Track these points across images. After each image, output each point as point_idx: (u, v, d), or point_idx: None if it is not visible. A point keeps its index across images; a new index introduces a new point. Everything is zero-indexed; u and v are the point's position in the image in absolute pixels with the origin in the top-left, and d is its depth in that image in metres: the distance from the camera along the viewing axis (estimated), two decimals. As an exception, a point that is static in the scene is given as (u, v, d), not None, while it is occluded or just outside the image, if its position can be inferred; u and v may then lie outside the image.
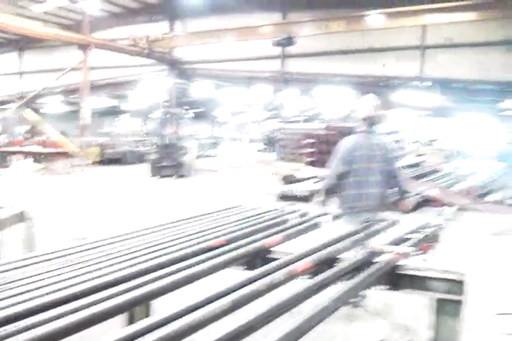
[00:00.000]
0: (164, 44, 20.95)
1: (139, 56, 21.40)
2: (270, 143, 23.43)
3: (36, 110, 23.34)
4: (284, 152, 16.36)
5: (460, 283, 2.03)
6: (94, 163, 17.78)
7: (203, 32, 19.11)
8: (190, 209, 7.06)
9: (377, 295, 3.31)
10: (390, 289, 2.18)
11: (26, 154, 15.82)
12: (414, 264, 2.26)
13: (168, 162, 13.88)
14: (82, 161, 17.04)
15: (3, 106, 23.19)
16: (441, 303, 2.09)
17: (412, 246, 2.36)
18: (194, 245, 2.35)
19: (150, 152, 15.13)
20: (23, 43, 27.18)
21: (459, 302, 2.06)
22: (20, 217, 3.65)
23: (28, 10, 20.94)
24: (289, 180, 11.29)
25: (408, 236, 2.58)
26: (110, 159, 18.47)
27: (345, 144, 3.74)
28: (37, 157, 15.83)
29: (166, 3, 21.54)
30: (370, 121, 3.68)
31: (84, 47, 18.93)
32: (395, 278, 2.14)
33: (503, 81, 15.38)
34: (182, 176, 13.81)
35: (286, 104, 23.27)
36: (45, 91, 22.43)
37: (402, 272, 2.13)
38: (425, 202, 9.35)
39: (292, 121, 22.96)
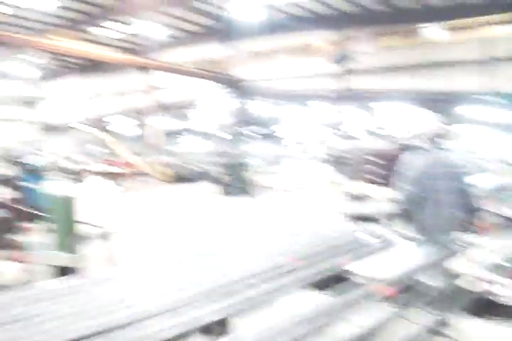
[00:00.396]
0: (224, 65, 21.59)
1: (200, 77, 22.15)
2: (335, 161, 23.12)
3: (109, 131, 24.63)
4: (351, 171, 16.11)
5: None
6: (163, 181, 18.40)
7: (261, 52, 19.49)
8: (260, 228, 7.11)
9: (468, 324, 3.15)
10: (479, 317, 2.07)
11: (101, 173, 16.65)
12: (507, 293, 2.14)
13: (234, 181, 14.07)
14: (152, 180, 17.69)
15: (79, 129, 24.61)
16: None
17: (503, 272, 2.24)
18: (264, 266, 2.35)
19: (216, 171, 15.45)
20: (95, 67, 28.91)
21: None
22: (103, 234, 3.86)
23: (95, 36, 22.31)
24: (358, 199, 11.03)
25: (497, 262, 2.44)
26: (179, 177, 19.00)
27: (412, 164, 3.56)
28: (111, 176, 16.62)
29: (226, 25, 22.19)
30: (436, 138, 3.53)
31: (148, 70, 19.88)
32: (487, 307, 2.03)
33: None
34: (247, 195, 13.93)
35: (349, 122, 23.06)
36: (117, 113, 23.63)
37: (495, 301, 2.02)
38: (506, 223, 8.79)
39: (357, 139, 22.68)
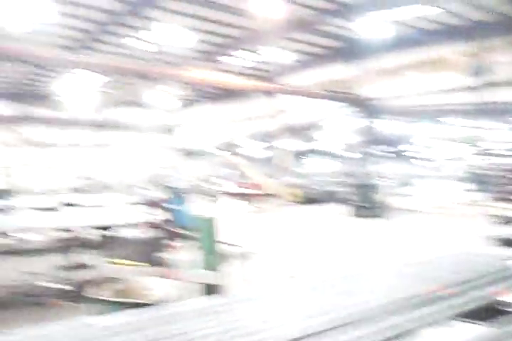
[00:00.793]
0: (350, 84, 21.46)
1: (326, 99, 22.29)
2: (476, 180, 21.44)
3: (240, 154, 25.86)
4: (495, 190, 14.79)
5: None
6: (293, 202, 18.70)
7: (388, 69, 18.99)
8: (397, 253, 6.84)
9: None
10: None
11: (235, 195, 17.47)
12: None
13: (364, 202, 13.74)
14: (282, 201, 18.07)
15: (214, 153, 26.22)
16: None
17: None
18: (406, 293, 2.26)
19: (345, 192, 15.27)
20: (227, 95, 30.73)
21: None
22: (242, 254, 4.04)
23: (227, 65, 23.73)
24: (505, 221, 10.04)
25: None
26: (307, 199, 19.16)
27: None
28: (243, 197, 17.34)
29: (350, 45, 22.10)
30: None
31: (275, 94, 20.58)
32: None
33: None
34: (379, 217, 13.50)
35: (488, 137, 21.25)
36: (247, 137, 24.73)
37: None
38: None
39: (498, 156, 20.78)
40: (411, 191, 23.08)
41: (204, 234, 3.67)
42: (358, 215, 13.55)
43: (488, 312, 2.10)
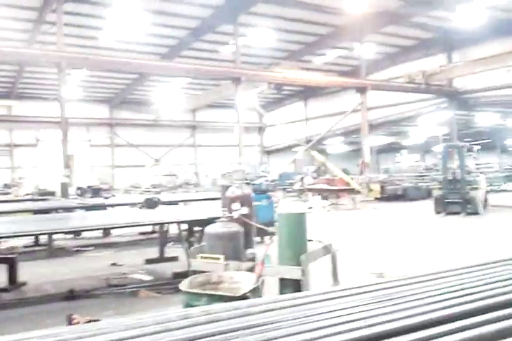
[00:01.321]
0: (442, 76, 20.38)
1: (415, 92, 21.35)
2: None
3: (321, 151, 25.64)
4: None
5: None
6: (375, 199, 18.21)
7: (485, 58, 17.80)
8: (484, 254, 6.42)
9: None
10: None
11: (319, 191, 17.34)
12: None
13: (455, 198, 13.00)
14: (364, 198, 17.67)
15: (294, 149, 26.23)
16: None
17: None
18: (500, 296, 2.09)
19: (433, 188, 14.55)
20: (307, 93, 30.60)
21: None
22: (327, 250, 3.99)
23: (310, 63, 23.54)
24: None
25: None
26: (391, 195, 18.57)
27: None
28: (324, 194, 17.16)
29: (441, 35, 20.98)
30: None
31: (361, 90, 20.10)
32: None
33: None
34: (471, 213, 12.71)
35: None
36: (329, 134, 24.46)
37: None
38: None
39: None
40: (508, 186, 21.52)
41: (289, 230, 3.67)
42: (446, 212, 12.87)
43: None
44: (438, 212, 13.18)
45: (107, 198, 11.80)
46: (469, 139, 27.10)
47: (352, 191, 17.14)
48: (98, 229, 8.21)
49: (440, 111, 22.78)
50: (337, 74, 24.04)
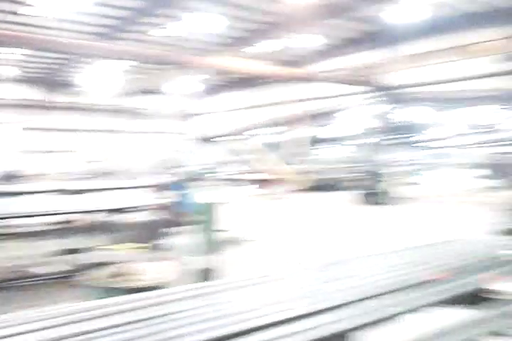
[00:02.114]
0: (375, 71, 21.07)
1: (347, 84, 21.95)
2: (492, 169, 21.15)
3: (256, 141, 25.83)
4: (508, 179, 14.59)
5: None
6: (303, 189, 18.66)
7: (417, 55, 18.58)
8: (396, 239, 6.83)
9: None
10: None
11: (247, 181, 17.48)
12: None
13: (373, 189, 13.68)
14: (293, 187, 18.05)
15: (230, 139, 26.22)
16: None
17: None
18: (399, 277, 2.27)
19: (356, 179, 15.18)
20: (249, 81, 30.51)
21: None
22: (241, 240, 4.07)
23: (255, 51, 23.47)
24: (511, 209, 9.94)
25: None
26: (318, 186, 19.10)
27: None
28: (254, 183, 17.35)
29: (378, 30, 21.57)
30: None
31: (304, 80, 20.31)
32: None
33: None
34: (386, 204, 13.46)
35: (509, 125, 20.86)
36: (267, 123, 24.62)
37: None
38: None
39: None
40: (422, 179, 22.88)
41: (204, 220, 3.70)
42: (366, 202, 13.52)
43: (474, 298, 2.10)
44: (359, 203, 13.83)
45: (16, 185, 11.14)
46: (395, 133, 28.36)
47: (280, 181, 17.46)
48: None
49: (370, 104, 23.59)
50: (281, 63, 24.16)
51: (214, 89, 32.02)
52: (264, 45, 23.35)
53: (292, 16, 18.71)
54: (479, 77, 18.09)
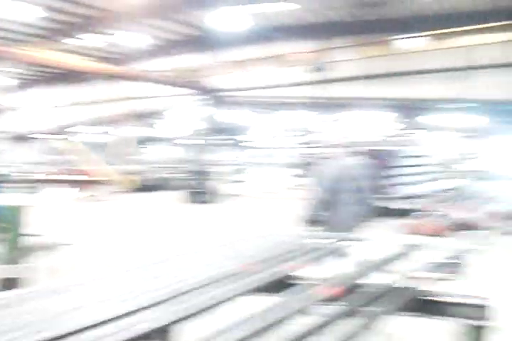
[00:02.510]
0: (200, 74, 21.56)
1: (173, 86, 22.03)
2: (304, 168, 23.45)
3: (74, 140, 24.22)
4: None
5: (486, 308, 1.97)
6: (129, 190, 18.16)
7: (239, 61, 19.54)
8: (216, 235, 7.11)
9: (403, 322, 3.22)
10: (415, 315, 2.12)
11: (62, 182, 16.32)
12: (439, 290, 2.20)
13: (199, 188, 14.03)
14: (117, 189, 17.42)
15: (46, 138, 24.13)
16: (466, 329, 2.02)
17: (439, 271, 2.29)
18: (215, 271, 2.35)
19: (183, 179, 15.36)
20: (65, 77, 28.40)
21: (484, 328, 1.99)
22: (52, 245, 3.76)
23: (73, 45, 21.94)
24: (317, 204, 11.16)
25: (435, 261, 2.51)
26: (145, 186, 18.80)
27: (321, 170, 3.84)
28: (72, 185, 16.30)
29: (202, 35, 22.15)
30: (342, 146, 3.73)
31: (124, 78, 19.66)
32: (420, 304, 2.08)
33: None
34: (212, 202, 13.93)
35: (322, 129, 23.34)
36: (82, 122, 23.26)
37: (427, 298, 2.08)
38: (459, 226, 9.11)
39: (328, 146, 22.72)
40: (245, 177, 24.31)
41: (7, 225, 3.33)
42: (192, 201, 13.83)
43: (281, 285, 2.27)
44: (185, 202, 14.04)
45: None
46: (219, 134, 29.48)
47: (104, 182, 16.71)
48: None
49: (195, 106, 24.03)
50: (104, 60, 22.96)
51: (30, 83, 29.14)
52: (87, 40, 22.09)
53: (118, 13, 18.11)
54: (293, 85, 20.01)
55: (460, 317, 2.01)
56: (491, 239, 8.08)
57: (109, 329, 1.63)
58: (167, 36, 23.09)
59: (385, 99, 18.00)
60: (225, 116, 27.45)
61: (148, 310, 1.83)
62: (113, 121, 22.93)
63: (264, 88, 20.98)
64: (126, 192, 17.59)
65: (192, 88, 22.48)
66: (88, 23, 19.92)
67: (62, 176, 17.09)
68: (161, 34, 22.66)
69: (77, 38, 21.59)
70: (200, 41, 22.78)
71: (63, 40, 21.13)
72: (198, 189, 14.05)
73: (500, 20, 13.10)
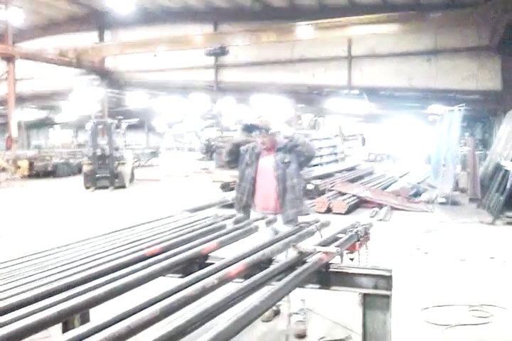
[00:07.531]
0: (94, 54, 20.48)
1: (67, 66, 20.75)
2: (208, 151, 23.47)
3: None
4: (222, 160, 16.43)
5: (387, 278, 2.12)
6: (24, 176, 16.95)
7: (134, 42, 18.87)
8: (127, 220, 6.94)
9: (313, 294, 3.41)
10: (321, 288, 2.24)
11: None
12: (342, 262, 2.35)
13: (104, 173, 13.48)
14: (10, 175, 16.23)
15: None
16: (369, 299, 2.16)
17: (340, 245, 2.44)
18: (130, 254, 2.31)
19: (83, 163, 14.61)
20: None
21: (386, 297, 2.14)
22: None
23: None
24: (227, 187, 11.34)
25: (337, 236, 2.67)
26: (42, 172, 17.66)
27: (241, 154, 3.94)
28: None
29: (95, 13, 21.07)
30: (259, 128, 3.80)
31: (7, 58, 18.12)
32: (325, 277, 2.21)
33: (425, 88, 16.31)
34: (119, 187, 13.48)
35: (224, 113, 23.38)
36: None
37: (330, 270, 2.21)
38: (359, 204, 9.75)
39: (230, 130, 23.02)
40: (153, 161, 23.82)
41: None
42: (96, 186, 13.29)
43: (193, 267, 2.29)
44: (87, 187, 13.41)
45: None
46: (120, 117, 28.41)
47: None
48: None
49: (93, 88, 22.87)
50: None
51: None
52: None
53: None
54: (188, 69, 19.92)
55: (362, 287, 2.16)
56: (388, 215, 8.75)
57: (23, 312, 1.56)
58: (53, 14, 21.67)
59: (281, 85, 18.57)
60: (128, 98, 26.52)
61: (67, 291, 1.77)
62: (3, 103, 21.12)
63: (162, 71, 20.64)
64: (20, 178, 16.42)
65: (85, 69, 21.47)
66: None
67: None
68: (47, 11, 21.24)
69: None
70: (90, 20, 21.70)
71: None
72: (101, 173, 13.51)
73: (383, 13, 14.08)
